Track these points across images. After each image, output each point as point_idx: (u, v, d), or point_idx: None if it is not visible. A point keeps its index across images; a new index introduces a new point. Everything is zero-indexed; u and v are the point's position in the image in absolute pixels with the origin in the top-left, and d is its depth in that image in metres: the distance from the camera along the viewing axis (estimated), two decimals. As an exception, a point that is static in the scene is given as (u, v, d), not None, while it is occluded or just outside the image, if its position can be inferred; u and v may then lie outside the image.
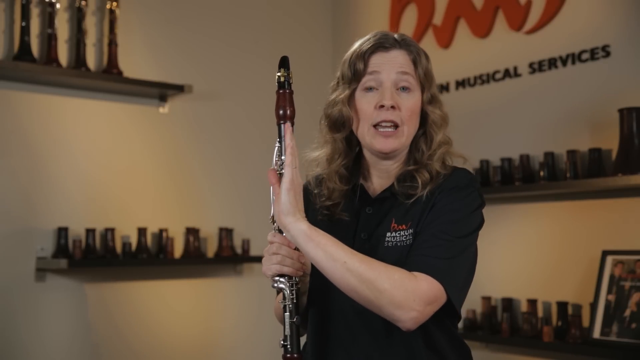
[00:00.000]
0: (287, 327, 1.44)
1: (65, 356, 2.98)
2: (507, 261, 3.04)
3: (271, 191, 1.45)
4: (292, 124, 1.46)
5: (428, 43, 3.41)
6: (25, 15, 2.91)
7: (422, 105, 1.56)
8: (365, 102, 1.54)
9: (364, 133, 1.54)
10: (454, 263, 1.42)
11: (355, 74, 1.55)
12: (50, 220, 2.98)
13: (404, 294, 1.35)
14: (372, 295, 1.35)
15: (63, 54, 3.07)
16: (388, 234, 1.50)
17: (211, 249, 3.42)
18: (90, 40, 3.15)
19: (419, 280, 1.37)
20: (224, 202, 3.48)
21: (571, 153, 2.72)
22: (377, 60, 1.54)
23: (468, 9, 3.26)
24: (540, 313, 2.85)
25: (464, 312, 2.95)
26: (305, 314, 1.59)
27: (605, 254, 2.68)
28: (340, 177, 1.60)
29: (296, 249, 1.45)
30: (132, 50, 3.26)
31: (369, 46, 1.55)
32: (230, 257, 3.37)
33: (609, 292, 2.62)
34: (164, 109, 3.34)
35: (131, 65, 3.23)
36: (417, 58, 1.55)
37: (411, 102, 1.53)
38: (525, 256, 2.98)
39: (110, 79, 3.07)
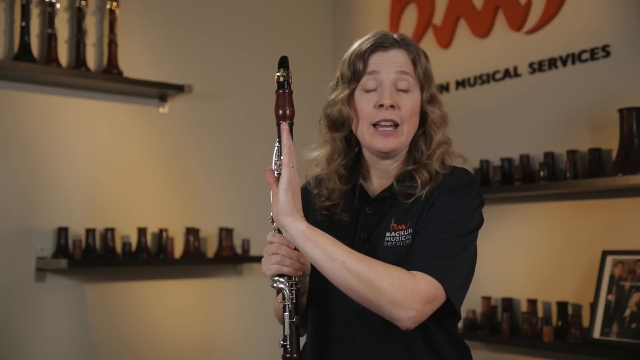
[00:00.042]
0: (287, 327, 1.44)
1: (65, 356, 2.98)
2: (507, 261, 3.04)
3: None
4: (292, 124, 1.47)
5: (428, 43, 3.41)
6: (25, 15, 2.91)
7: (421, 104, 1.56)
8: (364, 102, 1.54)
9: (364, 132, 1.54)
10: (453, 262, 1.42)
11: (354, 74, 1.55)
12: (50, 220, 2.98)
13: (402, 293, 1.35)
14: (370, 294, 1.35)
15: (63, 54, 3.07)
16: (387, 234, 1.50)
17: (211, 249, 3.42)
18: (90, 40, 3.15)
19: (417, 280, 1.37)
20: (224, 202, 3.48)
21: (571, 153, 2.72)
22: (377, 60, 1.54)
23: (468, 9, 3.26)
24: (540, 313, 2.85)
25: (464, 312, 2.94)
26: (305, 314, 1.59)
27: (605, 254, 2.68)
28: (339, 177, 1.60)
29: (295, 248, 1.45)
30: (132, 50, 3.27)
31: (368, 46, 1.55)
32: (230, 257, 3.37)
33: (609, 292, 2.62)
34: (164, 109, 3.34)
35: (131, 65, 3.23)
36: (417, 58, 1.56)
37: (410, 102, 1.53)
38: (525, 256, 2.98)
39: (110, 79, 3.07)
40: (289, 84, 1.46)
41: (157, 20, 3.36)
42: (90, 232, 3.01)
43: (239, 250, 3.44)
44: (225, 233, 3.36)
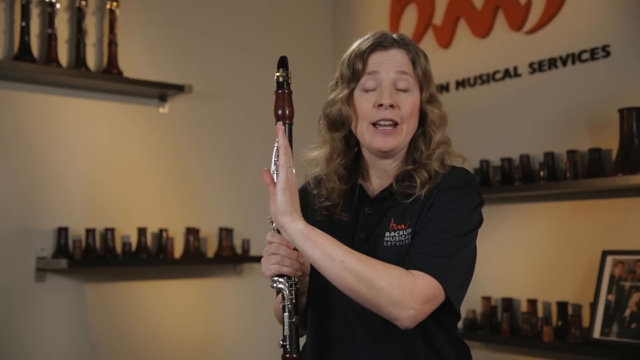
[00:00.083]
0: (287, 327, 1.44)
1: (65, 356, 2.98)
2: (507, 261, 3.04)
3: None
4: (291, 124, 1.47)
5: (428, 43, 3.41)
6: (25, 15, 2.91)
7: (420, 104, 1.56)
8: (364, 101, 1.54)
9: (363, 131, 1.54)
10: (452, 261, 1.42)
11: (354, 74, 1.55)
12: (50, 220, 2.99)
13: (401, 292, 1.35)
14: (369, 293, 1.35)
15: (63, 54, 3.07)
16: (387, 234, 1.50)
17: (211, 249, 3.42)
18: (90, 40, 3.15)
19: (416, 279, 1.37)
20: (224, 202, 3.48)
21: (571, 153, 2.72)
22: (376, 60, 1.54)
23: (468, 9, 3.26)
24: (540, 313, 2.85)
25: (464, 312, 2.94)
26: (305, 314, 1.59)
27: (605, 254, 2.68)
28: (339, 176, 1.60)
29: (295, 249, 1.45)
30: (132, 50, 3.27)
31: (367, 45, 1.55)
32: (230, 257, 3.37)
33: (609, 292, 2.62)
34: (164, 109, 3.34)
35: (131, 65, 3.23)
36: (416, 57, 1.56)
37: (410, 101, 1.53)
38: (525, 256, 2.98)
39: (110, 79, 3.07)
40: (288, 84, 1.47)
41: (157, 20, 3.36)
42: (90, 232, 3.01)
43: (239, 250, 3.45)
44: (225, 233, 3.36)
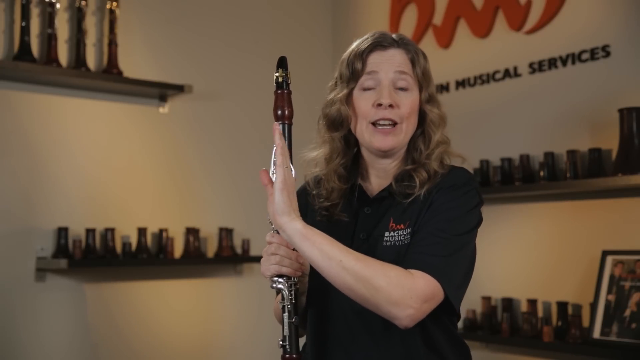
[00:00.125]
0: (286, 327, 1.44)
1: (65, 356, 2.98)
2: (507, 261, 3.04)
3: None
4: (291, 124, 1.47)
5: (428, 43, 3.41)
6: (25, 15, 2.91)
7: (420, 104, 1.56)
8: (363, 100, 1.54)
9: (363, 131, 1.54)
10: (451, 260, 1.42)
11: (353, 73, 1.55)
12: (50, 220, 2.99)
13: (400, 291, 1.35)
14: (368, 293, 1.35)
15: (63, 54, 3.07)
16: (386, 234, 1.50)
17: (211, 249, 3.42)
18: (90, 40, 3.15)
19: (415, 278, 1.37)
20: (224, 202, 3.48)
21: (571, 153, 2.71)
22: (375, 60, 1.54)
23: (468, 9, 3.26)
24: (540, 313, 2.85)
25: (463, 312, 2.95)
26: (305, 314, 1.59)
27: (605, 254, 2.68)
28: (338, 176, 1.60)
29: (294, 249, 1.45)
30: (132, 50, 3.27)
31: (366, 45, 1.55)
32: (230, 257, 3.37)
33: (609, 292, 2.62)
34: (164, 109, 3.34)
35: (131, 65, 3.23)
36: (415, 57, 1.56)
37: (409, 101, 1.53)
38: (526, 256, 2.98)
39: (110, 79, 3.07)
40: (287, 85, 1.47)
41: (157, 20, 3.36)
42: (90, 232, 3.01)
43: (239, 250, 3.45)
44: (225, 233, 3.36)
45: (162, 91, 3.24)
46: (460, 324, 2.85)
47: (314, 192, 1.62)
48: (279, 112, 1.46)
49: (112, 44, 3.13)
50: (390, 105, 1.51)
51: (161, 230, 3.21)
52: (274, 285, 1.46)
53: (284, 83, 1.46)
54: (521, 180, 2.85)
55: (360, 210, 1.57)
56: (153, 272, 3.25)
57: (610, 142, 2.67)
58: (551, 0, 2.94)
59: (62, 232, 2.95)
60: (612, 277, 2.63)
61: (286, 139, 1.46)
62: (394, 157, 1.58)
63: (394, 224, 1.50)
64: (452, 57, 3.33)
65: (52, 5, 2.96)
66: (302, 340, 1.55)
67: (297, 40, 3.81)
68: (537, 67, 2.98)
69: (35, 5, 3.01)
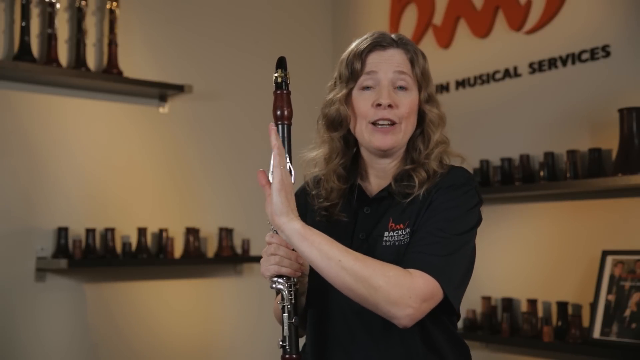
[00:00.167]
0: (286, 327, 1.44)
1: (65, 356, 2.98)
2: (507, 261, 3.04)
3: None
4: (290, 125, 1.47)
5: (428, 43, 3.40)
6: (25, 15, 2.91)
7: (419, 104, 1.56)
8: (362, 100, 1.54)
9: (362, 130, 1.54)
10: (450, 260, 1.42)
11: (352, 73, 1.55)
12: (50, 220, 2.99)
13: (399, 291, 1.35)
14: (367, 293, 1.35)
15: (63, 54, 3.07)
16: (386, 234, 1.50)
17: (211, 249, 3.42)
18: (90, 40, 3.15)
19: (414, 277, 1.37)
20: (224, 202, 3.48)
21: (571, 153, 2.71)
22: (374, 60, 1.54)
23: (468, 9, 3.26)
24: (540, 313, 2.85)
25: (463, 311, 2.95)
26: (304, 314, 1.59)
27: (605, 254, 2.67)
28: (338, 176, 1.60)
29: (293, 249, 1.45)
30: (132, 50, 3.27)
31: (366, 45, 1.55)
32: (230, 257, 3.37)
33: (609, 292, 2.62)
34: (164, 109, 3.34)
35: (131, 65, 3.23)
36: (414, 57, 1.56)
37: (408, 100, 1.53)
38: (525, 256, 2.98)
39: (110, 79, 3.07)
40: (286, 85, 1.47)
41: (157, 20, 3.36)
42: (90, 232, 3.01)
43: (239, 250, 3.45)
44: (225, 233, 3.36)
45: (162, 91, 3.24)
46: (460, 324, 2.85)
47: (314, 192, 1.62)
48: (279, 112, 1.46)
49: (112, 44, 3.13)
50: (390, 106, 1.51)
51: (161, 230, 3.21)
52: (274, 285, 1.46)
53: (283, 83, 1.46)
54: (521, 180, 2.85)
55: (360, 210, 1.57)
56: (153, 272, 3.25)
57: (610, 142, 2.67)
58: (551, 0, 2.94)
59: (62, 232, 2.95)
60: (612, 277, 2.63)
61: (286, 139, 1.46)
62: (393, 157, 1.58)
63: (393, 224, 1.50)
64: (452, 57, 3.33)
65: (52, 5, 2.96)
66: (302, 341, 1.55)
67: (297, 40, 3.81)
68: (537, 67, 2.98)
69: (35, 5, 3.01)
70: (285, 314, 1.44)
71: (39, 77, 2.95)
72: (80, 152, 3.10)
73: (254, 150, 3.54)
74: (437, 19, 3.40)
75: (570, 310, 2.76)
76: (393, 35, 1.58)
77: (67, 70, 2.99)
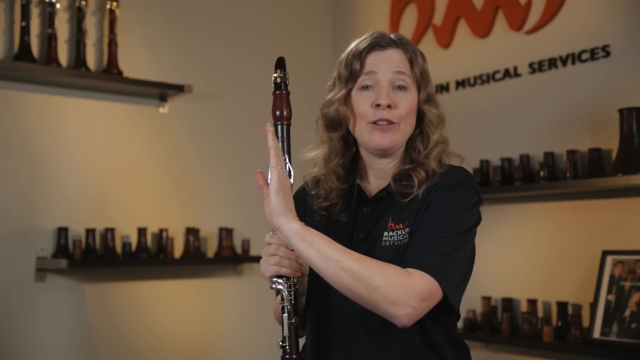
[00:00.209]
0: (286, 328, 1.44)
1: (65, 356, 2.98)
2: (507, 261, 3.04)
3: None
4: (289, 125, 1.47)
5: (428, 43, 3.40)
6: (25, 15, 2.91)
7: (418, 104, 1.56)
8: (361, 100, 1.54)
9: (361, 130, 1.54)
10: (449, 259, 1.42)
11: (351, 74, 1.55)
12: (50, 220, 2.99)
13: (398, 290, 1.35)
14: (366, 292, 1.35)
15: (63, 54, 3.07)
16: (385, 234, 1.50)
17: (211, 249, 3.42)
18: (90, 40, 3.15)
19: (413, 277, 1.37)
20: (224, 202, 3.48)
21: (571, 153, 2.71)
22: (374, 60, 1.54)
23: (468, 9, 3.26)
24: (540, 313, 2.85)
25: (463, 311, 2.95)
26: (304, 314, 1.59)
27: (605, 254, 2.67)
28: (337, 176, 1.60)
29: (292, 249, 1.45)
30: (132, 50, 3.27)
31: (365, 45, 1.55)
32: (230, 257, 3.37)
33: (609, 292, 2.62)
34: (164, 109, 3.34)
35: (131, 65, 3.23)
36: (414, 57, 1.56)
37: (407, 100, 1.53)
38: (525, 256, 2.98)
39: (110, 79, 3.07)
40: (286, 85, 1.47)
41: (157, 20, 3.36)
42: (90, 232, 3.01)
43: (239, 250, 3.45)
44: (225, 233, 3.36)
45: (162, 91, 3.24)
46: (460, 324, 2.85)
47: (313, 193, 1.62)
48: (278, 112, 1.46)
49: (112, 44, 3.13)
50: (389, 106, 1.51)
51: (161, 230, 3.21)
52: (274, 285, 1.46)
53: (283, 84, 1.46)
54: (521, 180, 2.85)
55: (359, 210, 1.57)
56: (153, 272, 3.25)
57: (610, 142, 2.67)
58: (551, 0, 2.94)
59: (62, 232, 2.95)
60: (612, 277, 2.63)
61: (285, 139, 1.46)
62: (393, 157, 1.58)
63: (392, 224, 1.50)
64: (452, 57, 3.33)
65: (52, 5, 2.96)
66: (301, 341, 1.55)
67: (297, 40, 3.81)
68: (537, 67, 2.98)
69: (35, 5, 3.01)
70: (285, 314, 1.44)
71: (39, 77, 2.95)
72: (80, 152, 3.10)
73: (254, 150, 3.53)
74: (437, 19, 3.40)
75: (570, 310, 2.76)
76: (392, 36, 1.58)
77: (67, 70, 2.99)
